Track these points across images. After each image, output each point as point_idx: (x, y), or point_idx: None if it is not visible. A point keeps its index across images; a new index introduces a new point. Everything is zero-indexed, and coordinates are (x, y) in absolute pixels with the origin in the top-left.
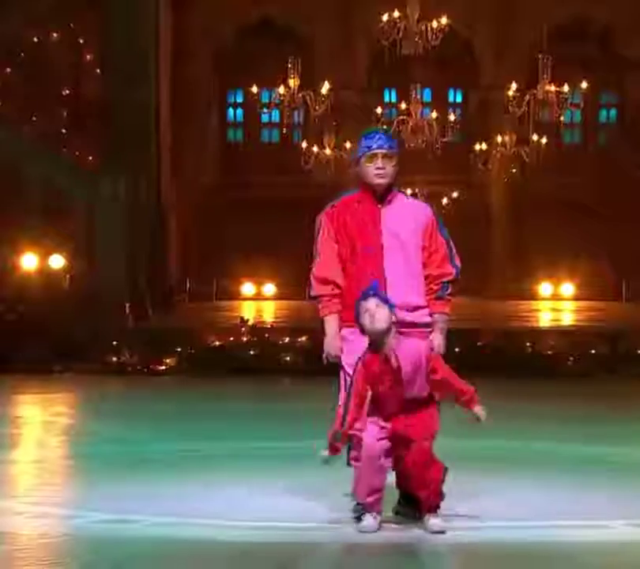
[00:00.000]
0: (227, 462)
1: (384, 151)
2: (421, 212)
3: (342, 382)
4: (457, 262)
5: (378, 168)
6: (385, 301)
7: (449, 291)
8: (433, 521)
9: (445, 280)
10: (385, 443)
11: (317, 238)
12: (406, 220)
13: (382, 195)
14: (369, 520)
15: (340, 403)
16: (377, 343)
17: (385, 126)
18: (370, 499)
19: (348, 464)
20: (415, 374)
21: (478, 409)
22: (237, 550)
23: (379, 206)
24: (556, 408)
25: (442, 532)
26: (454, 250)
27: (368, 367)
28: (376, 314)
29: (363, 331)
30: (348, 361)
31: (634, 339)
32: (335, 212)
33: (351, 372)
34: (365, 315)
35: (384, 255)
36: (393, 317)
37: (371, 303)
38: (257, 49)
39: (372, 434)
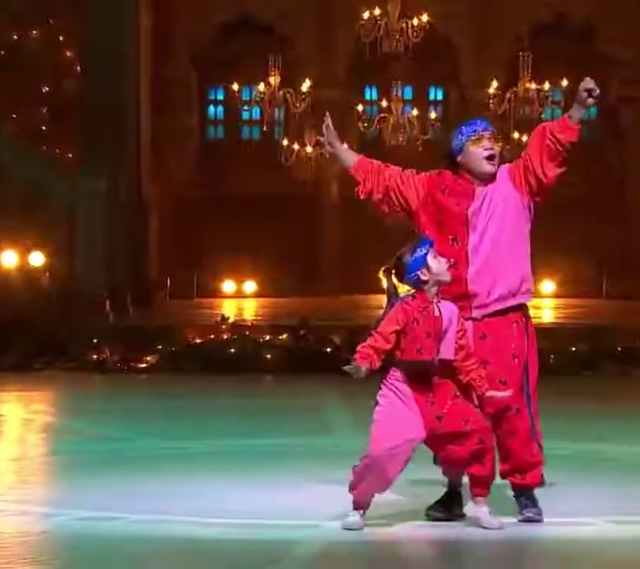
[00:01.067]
0: (208, 460)
1: (488, 132)
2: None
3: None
4: None
5: (487, 149)
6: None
7: None
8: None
9: None
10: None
11: None
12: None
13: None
14: (356, 517)
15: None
16: (430, 292)
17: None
18: (366, 498)
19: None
20: (446, 332)
21: (491, 394)
22: (218, 548)
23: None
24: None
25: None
26: None
27: (407, 310)
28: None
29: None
30: None
31: (614, 336)
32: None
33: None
34: (435, 261)
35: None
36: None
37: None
38: (238, 46)
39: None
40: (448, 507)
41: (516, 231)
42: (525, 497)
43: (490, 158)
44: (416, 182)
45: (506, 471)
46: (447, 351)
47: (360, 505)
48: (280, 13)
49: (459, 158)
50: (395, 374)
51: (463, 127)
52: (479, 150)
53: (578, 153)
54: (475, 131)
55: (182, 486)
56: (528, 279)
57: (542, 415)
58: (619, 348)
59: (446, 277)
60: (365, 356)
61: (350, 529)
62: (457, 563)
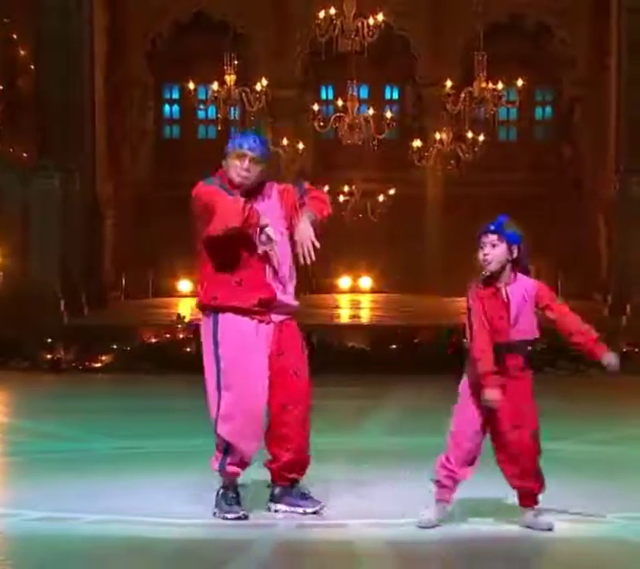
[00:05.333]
0: (163, 459)
1: (254, 154)
2: (284, 193)
3: None
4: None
5: (245, 170)
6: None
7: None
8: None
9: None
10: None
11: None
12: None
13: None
14: (429, 515)
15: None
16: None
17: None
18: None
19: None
20: (519, 312)
21: (608, 357)
22: (174, 548)
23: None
24: None
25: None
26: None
27: (482, 300)
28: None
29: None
30: None
31: None
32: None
33: None
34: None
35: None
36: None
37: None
38: (193, 45)
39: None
40: None
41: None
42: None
43: (245, 177)
44: None
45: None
46: (526, 330)
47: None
48: (235, 12)
49: (223, 163)
50: None
51: (238, 135)
52: (236, 164)
53: (533, 155)
54: (241, 146)
55: (137, 486)
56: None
57: None
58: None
59: None
60: (492, 382)
61: (423, 528)
62: (411, 562)
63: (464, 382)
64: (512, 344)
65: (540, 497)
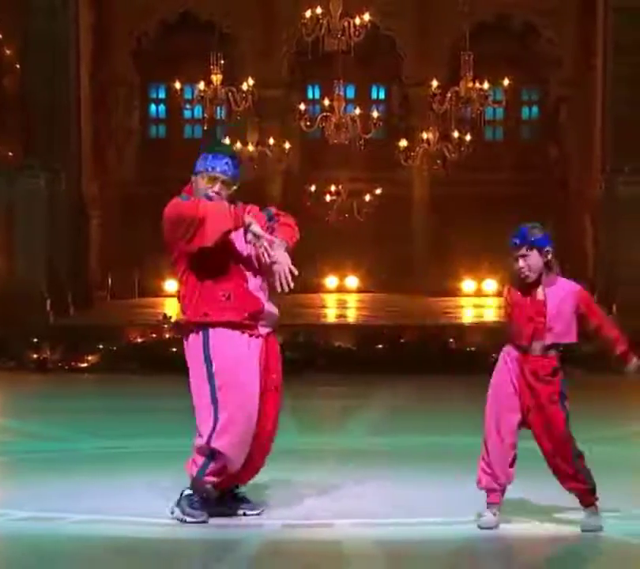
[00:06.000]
0: (150, 459)
1: (226, 177)
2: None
3: None
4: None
5: (216, 193)
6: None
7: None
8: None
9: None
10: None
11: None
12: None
13: None
14: (489, 516)
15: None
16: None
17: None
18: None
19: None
20: (558, 316)
21: (633, 363)
22: (159, 548)
23: None
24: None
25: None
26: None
27: (521, 305)
28: None
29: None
30: None
31: None
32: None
33: None
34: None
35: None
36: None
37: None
38: (180, 44)
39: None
40: None
41: None
42: None
43: (210, 199)
44: None
45: None
46: (563, 335)
47: (491, 502)
48: (222, 11)
49: (192, 178)
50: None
51: (210, 157)
52: (208, 186)
53: (520, 155)
54: (214, 169)
55: (122, 486)
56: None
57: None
58: None
59: None
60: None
61: (485, 528)
62: (398, 562)
63: (491, 384)
64: (547, 347)
65: (597, 497)
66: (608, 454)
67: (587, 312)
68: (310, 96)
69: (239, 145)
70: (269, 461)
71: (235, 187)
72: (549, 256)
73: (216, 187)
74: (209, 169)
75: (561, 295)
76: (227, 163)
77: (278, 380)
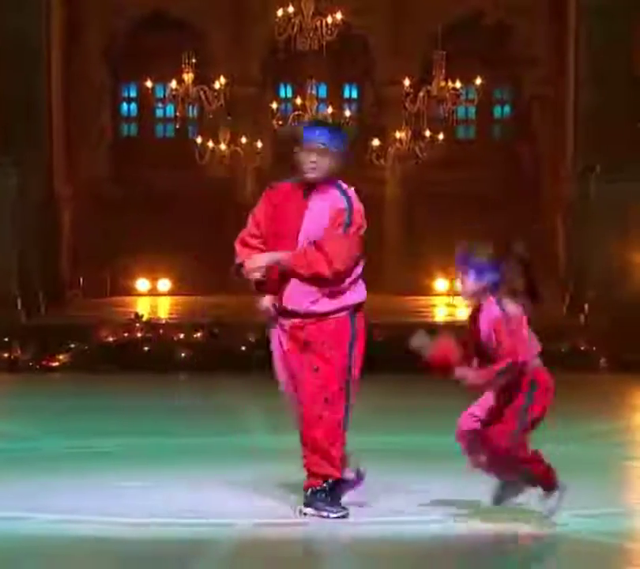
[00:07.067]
0: (120, 459)
1: (318, 145)
2: (334, 207)
3: None
4: (337, 265)
5: (311, 162)
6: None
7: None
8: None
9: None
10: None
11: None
12: (323, 215)
13: (312, 187)
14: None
15: None
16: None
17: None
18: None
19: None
20: (488, 339)
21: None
22: (129, 548)
23: (305, 199)
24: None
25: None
26: (345, 252)
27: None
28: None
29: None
30: None
31: None
32: (269, 194)
33: None
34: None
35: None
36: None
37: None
38: (151, 43)
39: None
40: None
41: None
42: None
43: (312, 169)
44: None
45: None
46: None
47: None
48: (192, 9)
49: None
50: None
51: (304, 130)
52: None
53: (492, 153)
54: (307, 140)
55: (90, 485)
56: None
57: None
58: None
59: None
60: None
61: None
62: (373, 560)
63: None
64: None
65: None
66: (567, 454)
67: (497, 347)
68: (282, 94)
69: (210, 143)
70: (240, 461)
71: (338, 156)
72: (487, 279)
73: (313, 157)
74: (303, 141)
75: (486, 322)
76: (319, 133)
77: None
